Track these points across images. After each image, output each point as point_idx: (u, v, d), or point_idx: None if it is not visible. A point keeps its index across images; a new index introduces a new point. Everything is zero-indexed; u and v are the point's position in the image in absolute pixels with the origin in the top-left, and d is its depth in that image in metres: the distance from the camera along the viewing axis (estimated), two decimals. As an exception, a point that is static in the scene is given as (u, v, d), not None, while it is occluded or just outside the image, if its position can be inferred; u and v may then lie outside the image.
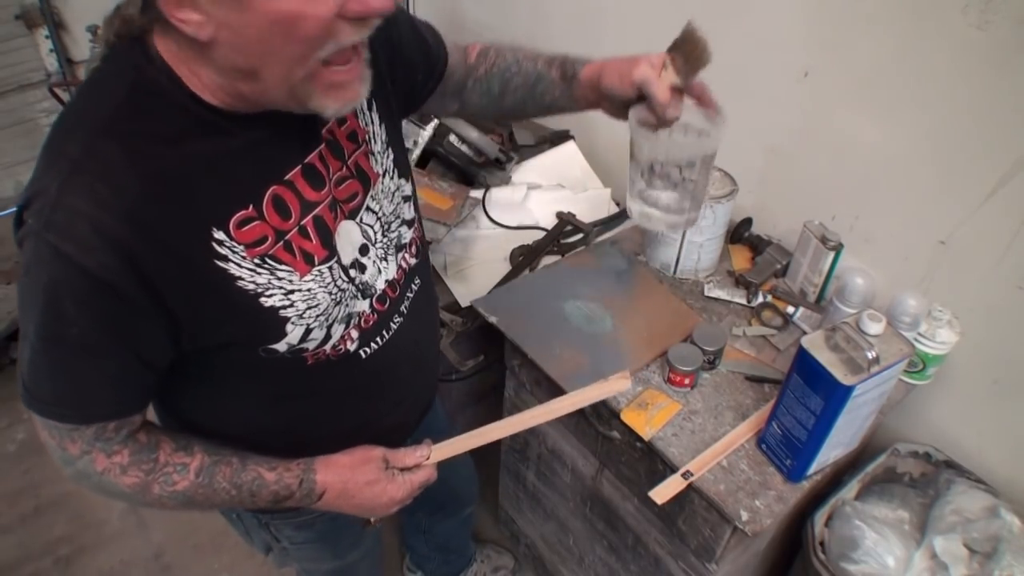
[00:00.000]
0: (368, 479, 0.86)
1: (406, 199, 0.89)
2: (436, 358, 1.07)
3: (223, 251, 0.66)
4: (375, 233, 0.82)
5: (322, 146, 0.75)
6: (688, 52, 0.80)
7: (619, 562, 1.34)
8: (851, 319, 0.91)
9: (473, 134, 1.58)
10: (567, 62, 0.93)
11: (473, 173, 1.61)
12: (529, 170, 1.68)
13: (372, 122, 0.82)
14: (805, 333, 1.19)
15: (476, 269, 1.49)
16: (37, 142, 2.98)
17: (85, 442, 0.71)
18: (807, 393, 0.93)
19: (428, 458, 0.92)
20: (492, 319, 1.23)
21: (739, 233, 1.44)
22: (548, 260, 1.47)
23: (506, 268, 1.48)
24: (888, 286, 1.23)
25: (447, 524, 1.54)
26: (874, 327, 0.89)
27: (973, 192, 1.09)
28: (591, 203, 1.62)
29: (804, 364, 0.91)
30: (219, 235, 0.66)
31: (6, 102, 2.79)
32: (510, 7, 1.90)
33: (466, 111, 1.03)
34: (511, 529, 1.76)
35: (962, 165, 1.10)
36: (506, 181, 1.64)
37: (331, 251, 0.76)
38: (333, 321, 0.78)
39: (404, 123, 1.02)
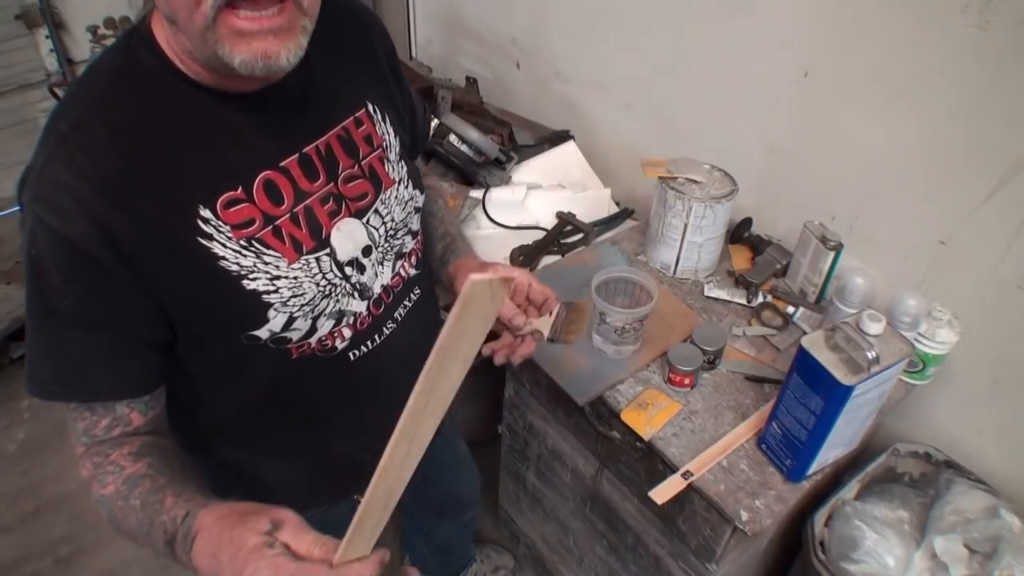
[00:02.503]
0: (233, 537, 0.59)
1: (417, 210, 0.90)
2: None
3: (208, 229, 0.67)
4: (379, 237, 0.83)
5: (327, 139, 0.76)
6: (571, 321, 0.90)
7: (619, 562, 1.34)
8: (851, 319, 0.91)
9: (473, 134, 1.58)
10: (450, 247, 1.00)
11: (473, 173, 1.61)
12: (529, 170, 1.68)
13: (388, 132, 0.84)
14: (805, 333, 1.19)
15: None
16: (37, 142, 2.98)
17: (76, 434, 0.73)
18: (807, 393, 0.93)
19: (331, 565, 0.59)
20: (492, 319, 1.23)
21: (739, 233, 1.44)
22: (548, 260, 1.47)
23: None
24: (888, 286, 1.23)
25: (448, 527, 1.54)
26: (874, 327, 0.89)
27: (973, 192, 1.10)
28: (591, 203, 1.62)
29: (804, 364, 0.92)
30: (205, 213, 0.66)
31: (6, 102, 2.79)
32: (510, 7, 1.90)
33: None
34: (511, 529, 1.76)
35: (962, 165, 1.10)
36: (506, 181, 1.64)
37: (320, 243, 0.75)
38: (320, 314, 0.77)
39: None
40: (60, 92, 2.64)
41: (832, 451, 1.00)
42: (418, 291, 0.93)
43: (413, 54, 2.29)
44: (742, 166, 1.35)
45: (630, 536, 1.26)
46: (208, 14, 0.56)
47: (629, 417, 1.08)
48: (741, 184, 1.31)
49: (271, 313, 0.73)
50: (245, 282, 0.70)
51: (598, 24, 1.67)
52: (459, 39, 2.11)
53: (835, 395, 0.89)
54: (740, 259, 1.42)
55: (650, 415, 1.08)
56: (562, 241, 1.51)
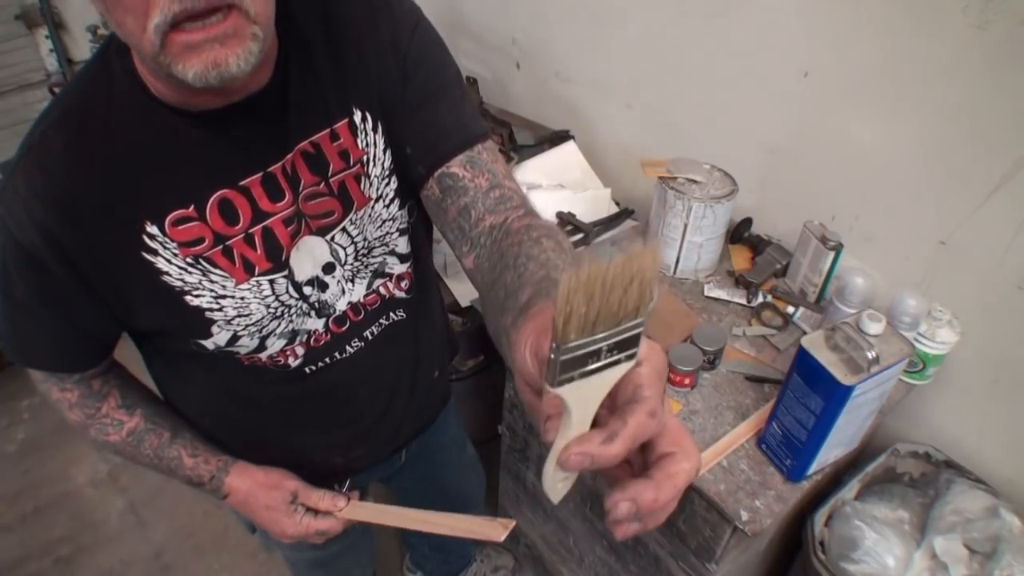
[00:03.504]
0: (268, 504, 0.90)
1: (401, 232, 0.83)
2: (424, 390, 1.02)
3: (154, 245, 0.68)
4: (346, 255, 0.79)
5: (292, 157, 0.71)
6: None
7: (619, 562, 1.34)
8: (851, 319, 0.91)
9: (473, 134, 1.58)
10: (538, 293, 0.58)
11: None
12: (529, 170, 1.68)
13: (374, 144, 0.76)
14: (805, 333, 1.19)
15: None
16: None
17: (44, 373, 0.81)
18: (807, 393, 0.93)
19: (341, 510, 0.91)
20: (492, 319, 1.23)
21: (739, 233, 1.44)
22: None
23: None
24: (888, 286, 1.23)
25: None
26: (874, 327, 0.89)
27: (973, 192, 1.09)
28: (591, 203, 1.62)
29: (804, 364, 0.92)
30: (152, 229, 0.68)
31: (6, 102, 2.80)
32: (510, 7, 1.90)
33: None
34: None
35: (962, 165, 1.10)
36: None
37: (278, 264, 0.74)
38: (269, 334, 0.77)
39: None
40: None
41: (832, 451, 1.00)
42: (402, 313, 0.90)
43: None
44: (742, 166, 1.34)
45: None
46: (155, 41, 0.55)
47: (629, 417, 1.08)
48: (741, 184, 1.31)
49: (215, 329, 0.74)
50: (188, 298, 0.71)
51: (598, 24, 1.67)
52: (459, 39, 2.11)
53: (835, 395, 0.89)
54: (740, 259, 1.42)
55: (650, 415, 1.08)
56: (562, 241, 1.51)
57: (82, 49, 2.74)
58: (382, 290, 0.86)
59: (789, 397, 0.96)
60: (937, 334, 1.14)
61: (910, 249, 1.22)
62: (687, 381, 1.12)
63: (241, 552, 1.83)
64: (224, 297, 0.72)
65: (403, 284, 0.88)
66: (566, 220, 1.54)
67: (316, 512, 0.92)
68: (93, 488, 1.98)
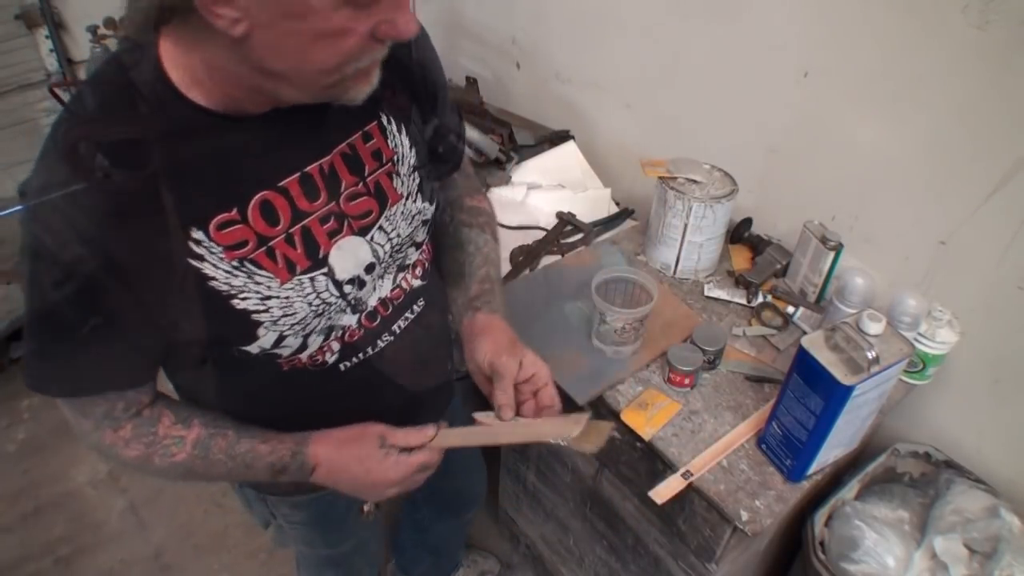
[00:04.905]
0: (360, 455, 0.83)
1: (425, 223, 0.88)
2: (441, 382, 1.04)
3: (200, 251, 0.67)
4: (384, 253, 0.82)
5: (331, 158, 0.74)
6: (584, 436, 0.83)
7: (619, 562, 1.34)
8: (851, 319, 0.91)
9: (473, 134, 1.58)
10: (485, 296, 0.93)
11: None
12: (529, 170, 1.68)
13: (402, 144, 0.82)
14: (805, 333, 1.19)
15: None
16: (37, 142, 2.94)
17: (95, 419, 0.76)
18: (807, 393, 0.93)
19: (431, 439, 0.86)
20: (492, 319, 1.23)
21: (739, 233, 1.44)
22: (548, 260, 1.47)
23: (506, 268, 1.48)
24: (888, 286, 1.23)
25: (448, 524, 1.54)
26: (874, 327, 0.89)
27: (973, 192, 1.09)
28: (591, 203, 1.62)
29: (804, 364, 0.92)
30: (197, 235, 0.67)
31: (6, 102, 2.79)
32: (510, 7, 1.90)
33: None
34: (511, 529, 1.76)
35: (962, 165, 1.10)
36: (506, 181, 1.64)
37: (316, 262, 0.75)
38: (311, 332, 0.78)
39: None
40: (60, 92, 2.64)
41: (832, 451, 1.00)
42: (422, 303, 0.92)
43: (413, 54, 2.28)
44: (742, 166, 1.34)
45: (630, 536, 1.26)
46: (346, 74, 0.61)
47: (629, 417, 1.08)
48: (741, 184, 1.31)
49: (261, 331, 0.73)
50: (235, 301, 0.70)
51: (598, 24, 1.67)
52: (459, 39, 2.11)
53: (835, 395, 0.89)
54: (740, 259, 1.42)
55: (650, 415, 1.08)
56: (562, 241, 1.51)
57: (82, 49, 2.73)
58: (403, 284, 0.88)
59: (789, 397, 0.96)
60: (937, 334, 1.14)
61: (910, 249, 1.22)
62: (687, 381, 1.12)
63: (241, 552, 1.83)
64: (270, 298, 0.72)
65: (418, 271, 0.91)
66: (566, 220, 1.54)
67: (409, 450, 0.86)
68: (93, 488, 1.98)
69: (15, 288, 2.27)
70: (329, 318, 0.79)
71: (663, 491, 1.01)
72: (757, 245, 1.41)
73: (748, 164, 1.39)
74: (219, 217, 0.68)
